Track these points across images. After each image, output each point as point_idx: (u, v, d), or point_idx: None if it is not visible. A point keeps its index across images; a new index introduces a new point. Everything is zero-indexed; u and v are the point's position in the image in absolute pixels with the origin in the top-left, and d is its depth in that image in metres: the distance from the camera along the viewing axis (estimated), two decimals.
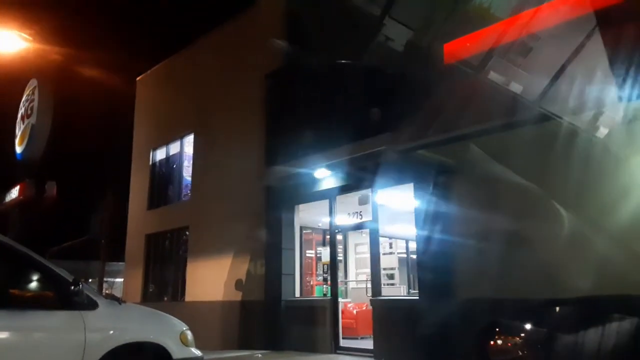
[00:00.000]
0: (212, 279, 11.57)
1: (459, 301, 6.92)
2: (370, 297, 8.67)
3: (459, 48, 7.60)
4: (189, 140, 13.92)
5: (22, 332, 3.84)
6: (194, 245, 12.73)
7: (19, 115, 14.78)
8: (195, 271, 12.40)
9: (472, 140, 7.17)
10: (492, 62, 7.10)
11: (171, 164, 14.78)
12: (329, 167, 9.22)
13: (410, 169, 7.97)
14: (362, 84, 8.68)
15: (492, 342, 2.73)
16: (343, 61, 9.13)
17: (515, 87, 6.78)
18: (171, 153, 14.76)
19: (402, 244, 12.64)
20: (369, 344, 8.66)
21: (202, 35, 14.03)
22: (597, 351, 2.33)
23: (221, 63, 12.96)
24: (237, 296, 10.84)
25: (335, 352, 8.88)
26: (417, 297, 7.99)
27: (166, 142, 14.80)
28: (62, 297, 4.03)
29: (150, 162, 15.28)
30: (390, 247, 11.15)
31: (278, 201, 10.35)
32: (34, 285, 4.23)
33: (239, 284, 10.86)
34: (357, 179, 9.04)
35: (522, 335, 2.67)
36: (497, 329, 2.76)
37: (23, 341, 3.85)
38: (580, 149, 5.97)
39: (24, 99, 14.76)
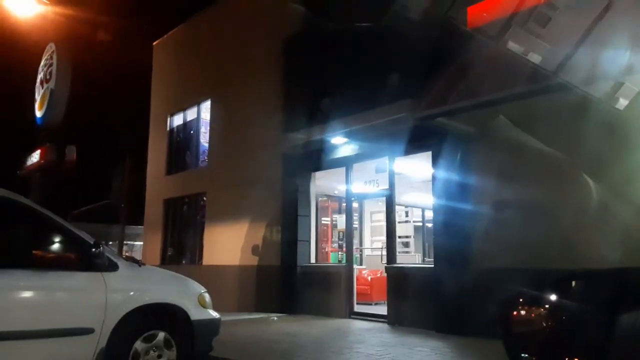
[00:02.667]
0: (229, 243, 11.74)
1: (475, 270, 6.91)
2: (385, 265, 8.72)
3: (479, 14, 7.34)
4: (206, 106, 13.89)
5: (46, 291, 3.95)
6: (211, 211, 12.88)
7: (38, 80, 14.81)
8: (212, 236, 12.59)
9: (492, 108, 7.01)
10: (511, 31, 6.85)
11: (188, 130, 14.82)
12: (346, 134, 9.14)
13: (429, 137, 7.85)
14: (380, 50, 8.50)
15: (514, 313, 2.69)
16: (361, 25, 8.91)
17: (534, 57, 6.54)
18: (188, 119, 14.78)
19: (418, 212, 12.61)
20: (382, 309, 8.78)
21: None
22: (630, 325, 2.28)
23: (238, 28, 12.77)
24: (253, 261, 11.01)
25: (350, 317, 9.03)
26: (432, 265, 8.01)
27: (183, 107, 14.80)
28: (83, 259, 4.11)
29: (168, 128, 15.34)
30: (406, 216, 11.12)
31: (295, 168, 10.35)
32: (56, 247, 4.33)
33: (255, 249, 11.01)
34: (375, 147, 8.96)
35: (547, 306, 2.62)
36: (521, 300, 2.71)
37: (47, 300, 3.95)
38: (604, 118, 5.79)
39: (42, 63, 14.75)
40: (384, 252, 8.98)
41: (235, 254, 11.44)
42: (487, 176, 7.14)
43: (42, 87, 14.36)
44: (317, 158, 9.94)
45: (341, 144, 9.47)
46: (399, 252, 9.23)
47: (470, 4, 6.87)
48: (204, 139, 13.97)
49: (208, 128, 13.75)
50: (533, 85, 6.38)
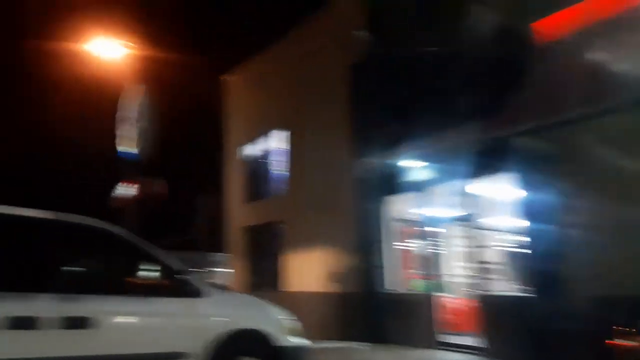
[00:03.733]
0: (308, 270, 11.80)
1: (571, 297, 6.42)
2: (471, 291, 8.35)
3: (554, 26, 7.04)
4: (280, 135, 14.28)
5: (141, 316, 4.15)
6: (290, 238, 13.07)
7: (126, 119, 16.04)
8: (293, 262, 12.74)
9: (574, 125, 6.63)
10: (590, 40, 6.49)
11: (264, 159, 15.26)
12: (420, 157, 9.00)
13: (511, 157, 7.52)
14: (453, 70, 8.36)
15: (619, 342, 2.47)
16: (429, 48, 8.85)
17: (619, 67, 6.13)
18: (264, 148, 15.22)
19: (504, 236, 11.97)
20: (470, 340, 8.37)
21: (284, 32, 14.25)
22: None
23: (308, 57, 13.08)
24: (335, 288, 10.96)
25: (436, 348, 8.67)
26: (524, 293, 7.56)
27: (257, 137, 15.26)
28: (174, 285, 4.30)
29: (243, 158, 15.89)
30: (491, 240, 10.61)
31: (367, 193, 10.28)
32: (149, 274, 4.57)
33: (333, 276, 10.98)
34: (452, 169, 8.70)
35: None
36: (627, 328, 2.49)
37: (142, 325, 4.16)
38: None
39: (130, 103, 16.00)
40: (469, 279, 8.61)
41: (314, 280, 11.47)
42: (575, 197, 6.69)
43: (130, 125, 15.53)
44: (390, 182, 9.82)
45: (415, 167, 9.32)
46: (485, 279, 8.82)
47: (542, 17, 6.62)
48: (279, 167, 14.33)
49: (283, 156, 14.09)
50: (617, 100, 5.97)
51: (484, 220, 9.85)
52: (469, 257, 8.60)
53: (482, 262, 8.45)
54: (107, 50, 12.79)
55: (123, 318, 4.09)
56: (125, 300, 4.14)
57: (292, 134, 13.68)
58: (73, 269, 4.43)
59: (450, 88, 8.32)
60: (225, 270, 19.06)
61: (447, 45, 8.46)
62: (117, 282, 4.37)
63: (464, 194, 8.77)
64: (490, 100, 7.60)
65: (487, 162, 7.96)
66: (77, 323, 3.71)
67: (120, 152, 15.28)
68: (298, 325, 4.96)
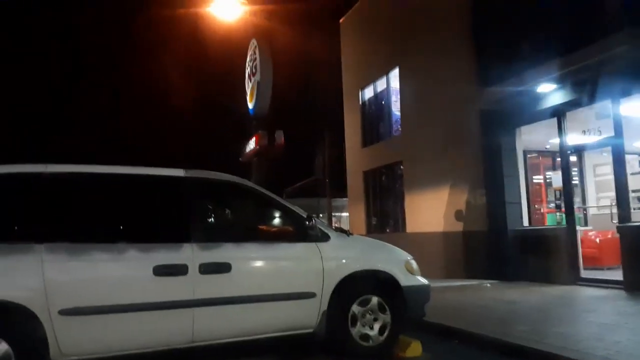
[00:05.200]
0: (430, 210, 11.58)
1: None
2: (617, 224, 7.51)
3: None
4: (395, 75, 13.81)
5: (273, 260, 4.40)
6: (409, 178, 12.87)
7: (246, 75, 16.71)
8: (413, 203, 12.59)
9: None
10: None
11: (380, 101, 14.98)
12: (554, 80, 8.07)
13: None
14: None
15: None
16: None
17: None
18: (379, 90, 14.92)
19: None
20: (615, 274, 7.68)
21: None
22: None
23: None
24: (458, 227, 10.66)
25: (576, 284, 8.08)
26: None
27: (373, 79, 14.98)
28: (300, 231, 4.47)
29: (360, 102, 15.75)
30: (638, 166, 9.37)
31: (495, 125, 9.60)
32: (276, 222, 4.80)
33: (459, 215, 10.64)
34: (592, 90, 7.67)
35: None
36: None
37: (274, 268, 4.41)
38: None
39: (247, 59, 16.58)
40: (614, 210, 7.74)
41: (438, 220, 11.24)
42: None
43: (250, 81, 16.16)
44: (521, 111, 9.01)
45: (550, 91, 8.38)
46: (634, 209, 7.86)
47: None
48: (396, 107, 13.96)
49: (399, 96, 13.67)
50: None
51: (634, 144, 8.68)
52: (613, 186, 7.65)
53: (628, 191, 7.48)
54: (224, 10, 13.27)
55: (258, 262, 4.36)
56: (259, 246, 4.42)
57: (406, 72, 13.15)
58: (211, 220, 4.82)
59: None
60: (347, 214, 19.55)
61: None
62: (250, 231, 4.67)
63: (608, 116, 7.72)
64: (635, 2, 6.44)
65: (636, 76, 6.88)
66: (217, 268, 4.02)
67: (249, 108, 16.10)
68: (417, 265, 4.94)
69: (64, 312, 3.54)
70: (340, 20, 17.30)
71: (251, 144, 15.67)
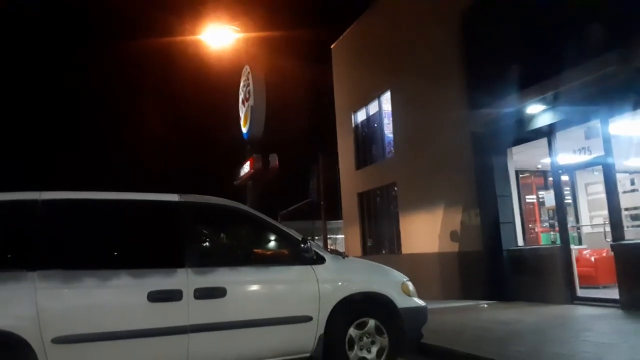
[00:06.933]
0: (425, 231, 11.59)
1: None
2: (611, 242, 7.55)
3: None
4: (387, 98, 13.98)
5: (268, 284, 4.37)
6: (403, 200, 12.91)
7: (240, 100, 16.84)
8: (408, 224, 12.60)
9: None
10: None
11: (372, 124, 15.12)
12: (543, 101, 8.19)
13: None
14: None
15: None
16: None
17: None
18: (371, 113, 15.08)
19: None
20: (611, 293, 7.67)
21: None
22: None
23: (411, 12, 12.56)
24: (454, 247, 10.66)
25: (573, 303, 8.05)
26: None
27: (365, 103, 15.15)
28: (295, 254, 4.47)
29: (353, 124, 15.89)
30: (632, 184, 9.45)
31: (487, 146, 9.69)
32: (271, 245, 4.79)
33: (454, 235, 10.65)
34: (581, 110, 7.81)
35: None
36: None
37: (270, 292, 4.37)
38: None
39: (241, 84, 16.74)
40: (608, 229, 7.78)
41: (433, 241, 11.24)
42: None
43: (244, 106, 16.27)
44: (512, 132, 9.11)
45: (539, 112, 8.51)
46: (628, 227, 7.90)
47: None
48: (388, 130, 14.09)
49: (391, 119, 13.82)
50: None
51: (624, 162, 8.78)
52: (606, 205, 7.71)
53: (620, 209, 7.54)
54: (218, 38, 13.48)
55: (253, 286, 4.34)
56: (255, 269, 4.40)
57: (398, 95, 13.33)
58: (205, 244, 4.81)
59: (573, 17, 7.38)
60: (342, 237, 19.48)
61: None
62: (245, 254, 4.69)
63: (598, 136, 7.84)
64: (624, 26, 6.60)
65: (624, 97, 7.01)
66: (212, 293, 3.99)
67: (243, 132, 16.17)
68: (413, 286, 4.94)
69: (57, 341, 3.50)
70: (332, 46, 17.59)
71: (246, 168, 15.70)
